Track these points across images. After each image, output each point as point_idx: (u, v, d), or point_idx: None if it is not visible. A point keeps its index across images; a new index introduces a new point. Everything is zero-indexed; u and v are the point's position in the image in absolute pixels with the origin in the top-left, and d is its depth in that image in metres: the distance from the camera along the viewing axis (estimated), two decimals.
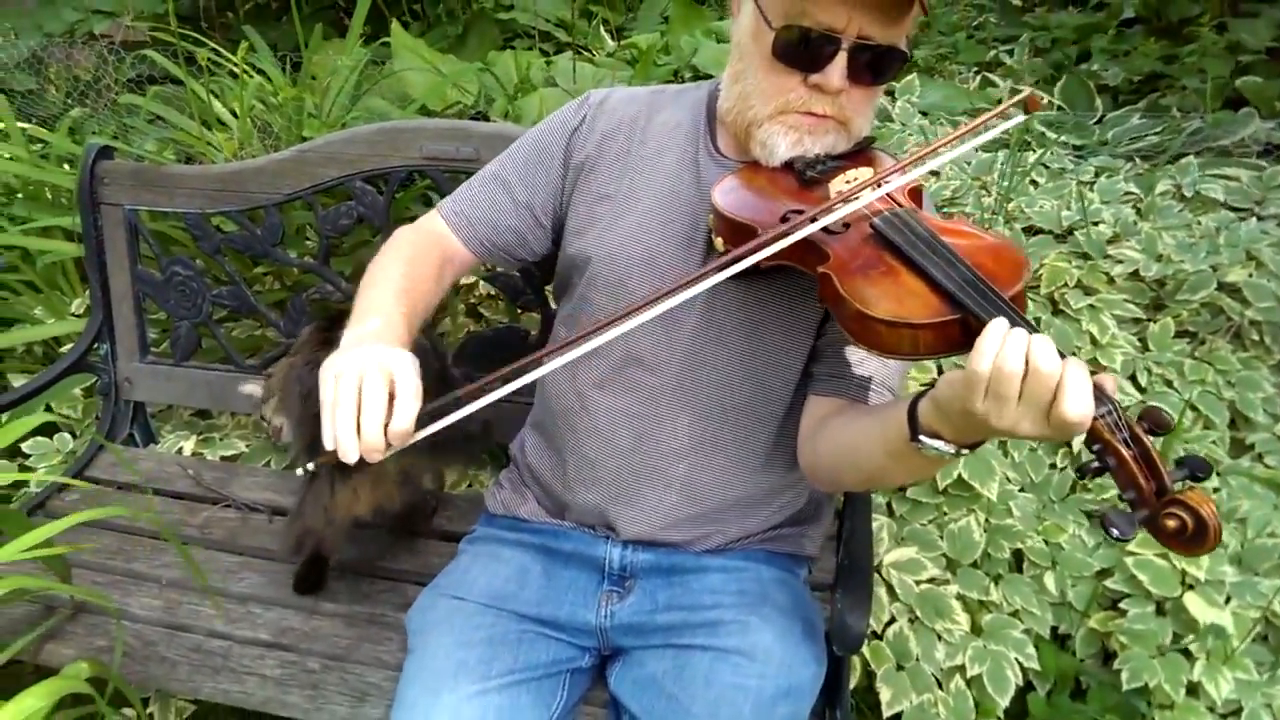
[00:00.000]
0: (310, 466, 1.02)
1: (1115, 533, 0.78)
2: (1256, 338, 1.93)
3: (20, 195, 2.20)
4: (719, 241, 1.12)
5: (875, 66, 1.07)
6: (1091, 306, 1.87)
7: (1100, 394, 0.80)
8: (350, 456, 0.92)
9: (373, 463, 0.93)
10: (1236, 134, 2.55)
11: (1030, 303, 1.85)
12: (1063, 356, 0.80)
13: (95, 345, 1.86)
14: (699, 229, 1.19)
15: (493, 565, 1.30)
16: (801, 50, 1.06)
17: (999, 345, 0.81)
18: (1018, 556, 1.68)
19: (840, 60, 1.05)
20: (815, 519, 1.35)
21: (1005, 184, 2.05)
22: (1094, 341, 1.84)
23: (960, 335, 0.90)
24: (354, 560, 1.54)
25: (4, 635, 1.38)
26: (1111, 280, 1.94)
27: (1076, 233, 2.01)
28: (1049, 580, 1.64)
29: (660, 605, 1.23)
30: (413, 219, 1.34)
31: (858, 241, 1.02)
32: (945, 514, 1.69)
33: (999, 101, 2.77)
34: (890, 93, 2.59)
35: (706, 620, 1.19)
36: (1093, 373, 0.81)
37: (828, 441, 1.13)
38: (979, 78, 2.94)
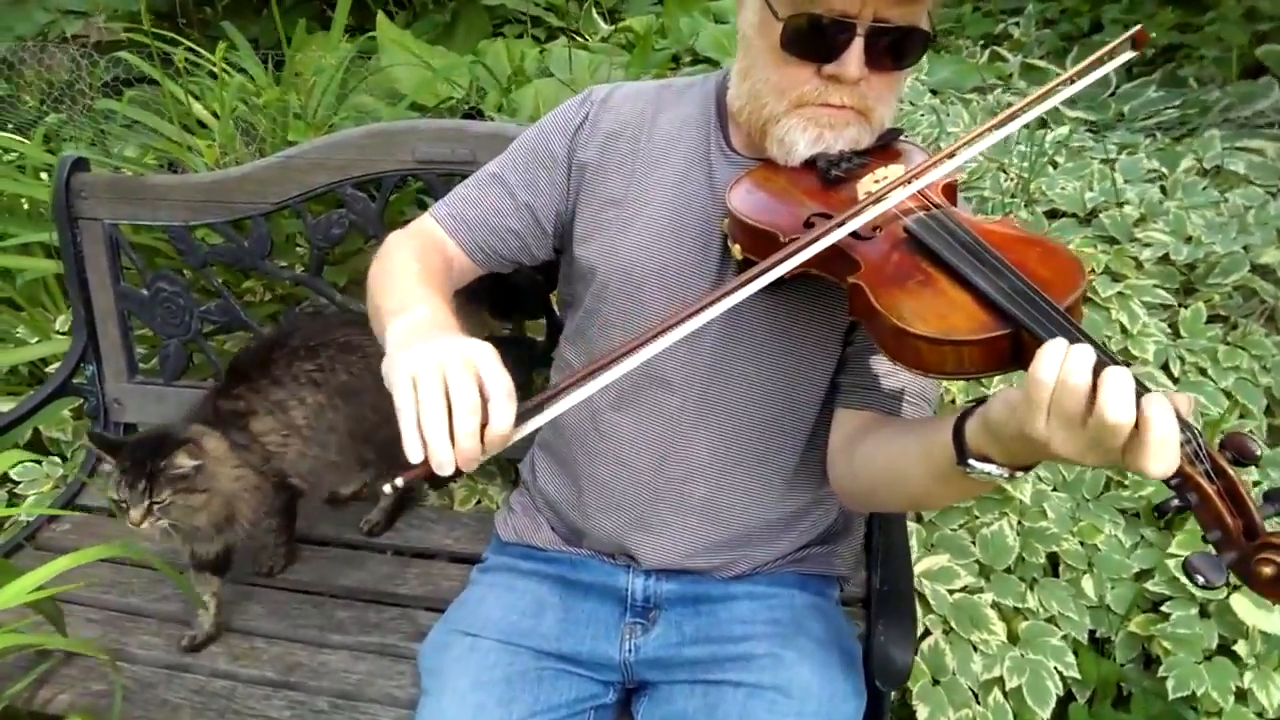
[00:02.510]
0: (399, 483, 0.87)
1: (1200, 580, 0.70)
2: None
3: None
4: (736, 249, 1.04)
5: (896, 50, 0.99)
6: (1120, 294, 1.79)
7: (1178, 420, 0.72)
8: (446, 469, 0.79)
9: (467, 472, 0.81)
10: (1257, 104, 2.45)
11: None
12: (1142, 390, 0.71)
13: (81, 366, 1.78)
14: (713, 234, 1.11)
15: (507, 597, 1.23)
16: (813, 40, 0.97)
17: (1059, 363, 0.73)
18: (1053, 560, 1.61)
19: (856, 47, 0.96)
20: (845, 534, 1.28)
21: (1026, 165, 1.96)
22: (1124, 330, 1.76)
23: (1010, 351, 0.82)
24: None
25: None
26: (1140, 265, 1.86)
27: (1102, 215, 1.92)
28: (1087, 584, 1.58)
29: (687, 637, 1.16)
30: (406, 225, 1.24)
31: (890, 247, 0.94)
32: (976, 518, 1.62)
33: (1009, 76, 2.68)
34: None
35: (738, 653, 1.12)
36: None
37: (864, 461, 1.06)
38: (987, 52, 2.84)
